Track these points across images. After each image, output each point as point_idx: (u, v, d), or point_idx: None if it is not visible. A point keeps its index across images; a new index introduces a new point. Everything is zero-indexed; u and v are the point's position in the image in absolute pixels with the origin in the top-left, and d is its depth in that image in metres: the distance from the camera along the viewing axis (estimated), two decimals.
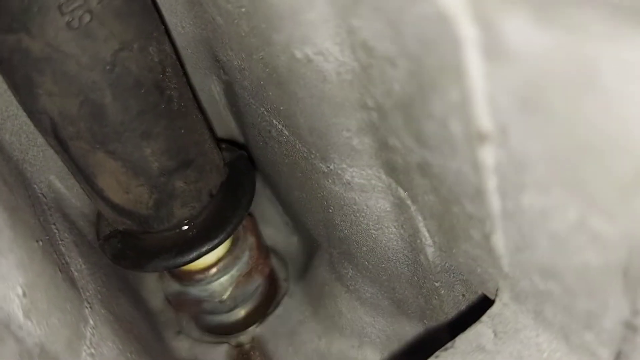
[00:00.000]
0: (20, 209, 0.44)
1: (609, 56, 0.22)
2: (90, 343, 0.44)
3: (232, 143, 0.64)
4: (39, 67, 0.40)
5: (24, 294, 0.37)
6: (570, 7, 0.21)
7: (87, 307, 0.48)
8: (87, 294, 0.49)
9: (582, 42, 0.22)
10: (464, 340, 0.39)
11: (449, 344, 0.39)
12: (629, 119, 0.23)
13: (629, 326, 0.31)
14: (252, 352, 0.69)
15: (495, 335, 0.38)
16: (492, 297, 0.40)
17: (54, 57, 0.40)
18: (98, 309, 0.49)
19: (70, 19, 0.39)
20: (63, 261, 0.48)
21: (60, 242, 0.50)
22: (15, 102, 0.53)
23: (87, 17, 0.39)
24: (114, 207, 0.49)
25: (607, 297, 0.31)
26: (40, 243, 0.43)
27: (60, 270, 0.46)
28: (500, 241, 0.35)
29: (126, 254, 0.53)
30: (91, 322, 0.47)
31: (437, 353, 0.39)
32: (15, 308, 0.36)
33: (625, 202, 0.26)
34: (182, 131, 0.48)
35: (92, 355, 0.44)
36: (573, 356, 0.36)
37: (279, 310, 0.69)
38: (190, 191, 0.51)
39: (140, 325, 0.62)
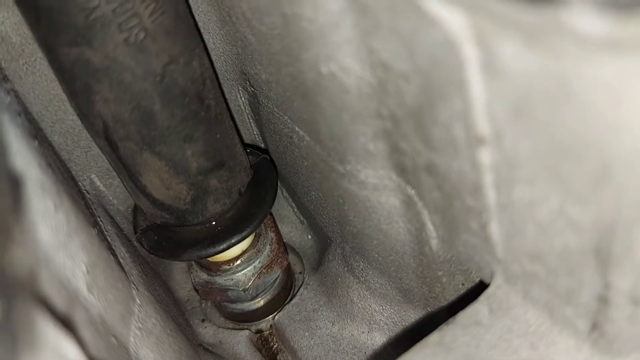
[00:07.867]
0: (77, 200, 0.48)
1: (581, 75, 0.26)
2: (138, 318, 0.49)
3: (254, 148, 0.68)
4: (97, 76, 0.44)
5: (87, 272, 0.41)
6: (552, 35, 0.25)
7: (133, 288, 0.52)
8: (132, 277, 0.53)
9: (561, 64, 0.26)
10: (463, 316, 0.42)
11: (450, 319, 0.42)
12: (598, 124, 0.27)
13: (602, 299, 0.35)
14: (270, 337, 0.72)
15: (490, 312, 0.42)
16: (487, 281, 0.44)
17: (112, 68, 0.44)
18: (142, 290, 0.54)
19: (128, 35, 0.42)
20: (111, 248, 0.53)
21: (106, 232, 0.54)
22: (62, 107, 0.57)
23: (142, 34, 0.43)
24: (155, 202, 0.53)
25: (583, 275, 0.35)
26: (95, 230, 0.48)
27: (112, 254, 0.50)
28: (495, 230, 0.39)
29: (162, 245, 0.57)
30: (138, 301, 0.51)
31: (440, 327, 0.42)
32: (81, 283, 0.40)
33: (596, 192, 0.30)
34: (218, 136, 0.52)
35: (139, 329, 0.48)
36: (555, 328, 0.39)
37: (296, 300, 0.73)
38: (222, 189, 0.55)
39: (173, 309, 0.66)
